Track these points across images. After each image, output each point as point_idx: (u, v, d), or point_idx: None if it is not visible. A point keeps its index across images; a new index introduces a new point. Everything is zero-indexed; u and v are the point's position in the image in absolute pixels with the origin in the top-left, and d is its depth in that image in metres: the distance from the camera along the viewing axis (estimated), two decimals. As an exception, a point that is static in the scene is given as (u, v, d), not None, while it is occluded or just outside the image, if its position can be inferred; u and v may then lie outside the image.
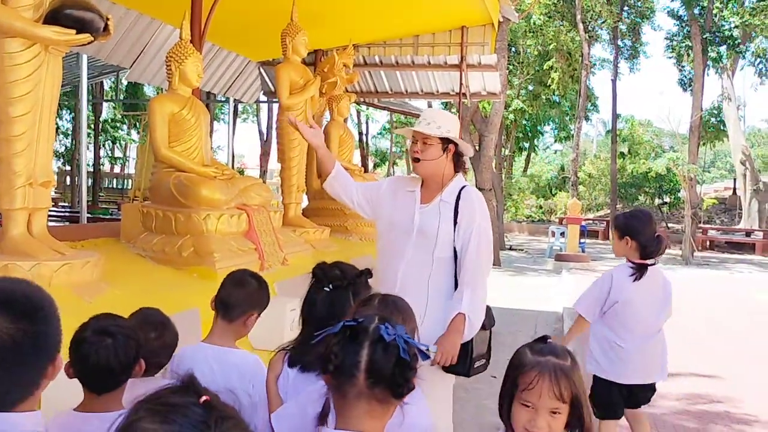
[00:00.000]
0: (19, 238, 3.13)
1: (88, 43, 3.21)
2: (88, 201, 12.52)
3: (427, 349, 1.37)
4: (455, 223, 2.91)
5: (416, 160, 2.95)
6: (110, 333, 1.72)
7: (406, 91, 10.01)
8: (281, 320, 4.07)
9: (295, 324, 4.25)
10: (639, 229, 3.45)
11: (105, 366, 1.68)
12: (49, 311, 1.21)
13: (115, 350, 1.69)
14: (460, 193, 2.93)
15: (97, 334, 1.72)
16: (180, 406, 0.89)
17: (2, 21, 2.98)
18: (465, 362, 2.90)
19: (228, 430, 0.90)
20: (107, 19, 3.21)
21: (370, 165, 30.74)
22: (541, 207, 30.68)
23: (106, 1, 6.27)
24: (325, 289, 2.02)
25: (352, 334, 1.29)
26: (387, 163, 33.63)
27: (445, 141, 2.93)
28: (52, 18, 3.09)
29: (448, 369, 2.90)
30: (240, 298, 2.26)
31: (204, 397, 0.91)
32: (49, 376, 1.22)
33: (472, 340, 2.91)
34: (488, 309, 3.03)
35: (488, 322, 3.00)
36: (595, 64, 27.89)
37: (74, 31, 3.08)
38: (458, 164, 3.03)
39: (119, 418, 0.92)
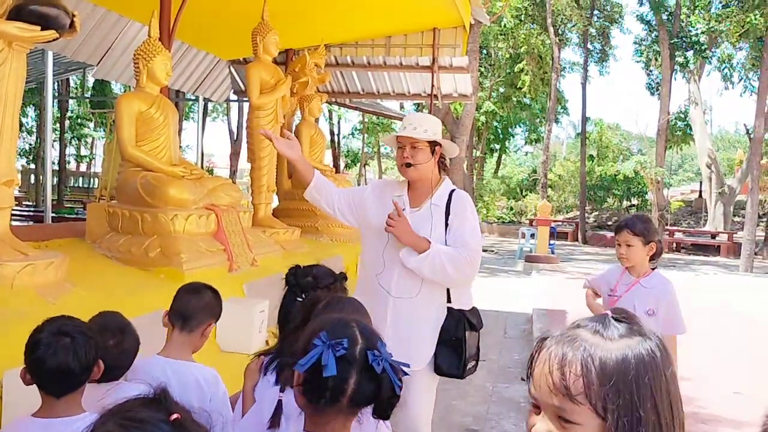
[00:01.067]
0: (-21, 238, 3.06)
1: (54, 40, 3.15)
2: (53, 200, 12.28)
3: (408, 367, 1.36)
4: (446, 225, 2.90)
5: (407, 165, 2.92)
6: (67, 333, 1.67)
7: (378, 92, 10.01)
8: (250, 322, 4.04)
9: (264, 326, 4.24)
10: (657, 232, 3.29)
11: (64, 367, 1.64)
12: None
13: (74, 350, 1.65)
14: (450, 196, 2.95)
15: (53, 335, 1.67)
16: (148, 422, 0.87)
17: (-37, 16, 2.92)
18: (458, 364, 2.89)
19: None
20: (73, 15, 3.15)
21: (342, 165, 30.68)
22: (511, 208, 30.97)
23: (73, -3, 6.16)
24: (298, 299, 1.98)
25: (339, 362, 1.25)
26: (359, 164, 33.59)
27: (433, 144, 2.94)
28: (16, 14, 3.02)
29: (441, 373, 2.92)
30: (197, 308, 2.22)
31: (174, 415, 0.89)
32: None
33: (464, 342, 2.87)
34: (476, 311, 3.04)
35: (477, 323, 3.00)
36: (565, 68, 28.25)
37: (39, 28, 3.01)
38: (442, 166, 3.05)
39: (83, 427, 0.90)
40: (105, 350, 1.80)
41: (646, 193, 25.29)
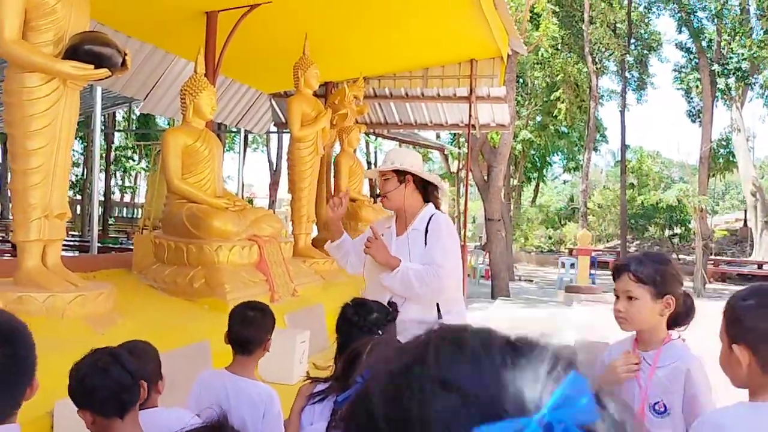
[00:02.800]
0: (33, 270, 3.16)
1: (106, 78, 3.27)
2: (98, 230, 12.58)
3: None
4: (426, 245, 2.99)
5: (381, 196, 3.10)
6: (106, 361, 1.73)
7: (416, 122, 10.09)
8: (291, 352, 4.05)
9: (305, 356, 4.25)
10: (678, 280, 2.12)
11: (107, 392, 1.69)
12: (27, 338, 1.28)
13: (115, 375, 1.70)
14: (429, 220, 3.03)
15: (94, 364, 1.74)
16: None
17: (23, 57, 3.05)
18: None
19: None
20: (125, 54, 3.27)
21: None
22: (550, 237, 30.58)
23: (122, 35, 6.39)
24: (363, 329, 2.05)
25: None
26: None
27: (401, 173, 3.02)
28: (72, 53, 3.15)
29: None
30: (252, 334, 2.36)
31: None
32: (27, 397, 1.29)
33: None
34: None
35: None
36: (603, 96, 28.03)
37: (93, 66, 3.13)
38: (426, 194, 3.11)
39: None
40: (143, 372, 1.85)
41: (689, 221, 24.72)
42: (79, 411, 1.74)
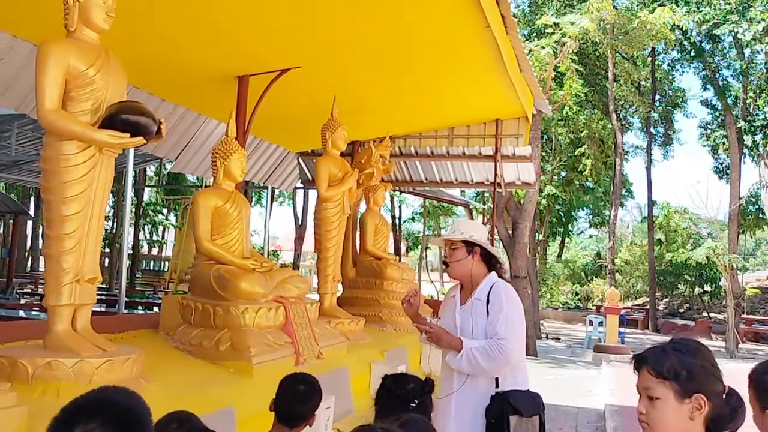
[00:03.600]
0: (63, 334, 3.17)
1: (141, 146, 3.35)
2: (126, 283, 12.70)
3: None
4: (488, 315, 3.10)
5: (446, 264, 3.30)
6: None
7: (441, 180, 10.15)
8: (317, 419, 3.98)
9: (329, 422, 4.18)
10: (716, 374, 1.70)
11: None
12: (148, 423, 1.30)
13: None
14: (491, 289, 3.15)
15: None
16: None
17: (62, 126, 3.14)
18: None
19: None
20: (160, 122, 3.36)
21: (403, 249, 30.78)
22: (576, 293, 30.14)
23: (157, 98, 6.58)
24: (411, 405, 2.20)
25: None
26: (420, 247, 33.62)
27: (470, 244, 3.22)
28: (109, 122, 3.23)
29: None
30: (302, 409, 2.40)
31: None
32: None
33: (507, 426, 2.95)
34: (529, 394, 3.13)
35: (524, 408, 3.02)
36: (628, 151, 28.01)
37: (129, 135, 3.21)
38: (490, 265, 3.27)
39: None
40: None
41: (719, 278, 24.21)
42: None
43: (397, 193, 24.20)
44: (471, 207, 19.52)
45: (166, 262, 22.23)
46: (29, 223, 24.07)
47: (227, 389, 3.73)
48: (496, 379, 3.08)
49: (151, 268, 23.48)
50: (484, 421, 3.02)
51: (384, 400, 2.25)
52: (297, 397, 2.36)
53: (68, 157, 3.15)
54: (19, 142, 12.43)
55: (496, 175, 8.82)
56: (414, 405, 2.21)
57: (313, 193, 24.97)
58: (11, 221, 18.57)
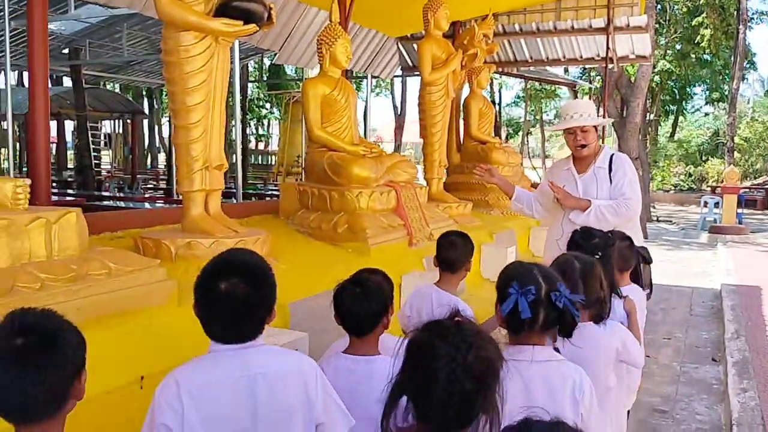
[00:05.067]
0: (198, 218, 3.42)
1: (254, 33, 3.40)
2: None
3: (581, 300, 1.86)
4: (610, 181, 3.66)
5: (582, 146, 3.71)
6: (362, 284, 2.01)
7: (547, 59, 9.68)
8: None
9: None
10: None
11: (358, 312, 1.98)
12: (271, 279, 1.65)
13: (366, 299, 1.98)
14: (611, 158, 3.72)
15: (352, 285, 2.03)
16: None
17: (177, 15, 3.23)
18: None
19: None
20: (270, 8, 3.38)
21: (503, 135, 30.13)
22: (690, 175, 28.68)
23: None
24: (595, 256, 2.45)
25: (533, 301, 1.70)
26: (521, 133, 32.76)
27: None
28: (221, 10, 3.30)
29: None
30: (457, 255, 2.81)
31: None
32: (267, 322, 1.65)
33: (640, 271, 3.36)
34: (645, 248, 3.57)
35: (648, 257, 3.52)
36: (752, 18, 25.39)
37: (242, 23, 3.27)
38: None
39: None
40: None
41: None
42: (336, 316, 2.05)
43: (497, 75, 23.42)
44: (577, 87, 18.63)
45: (272, 157, 22.99)
46: (145, 122, 25.36)
47: (347, 267, 3.87)
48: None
49: (259, 162, 24.35)
50: None
51: (573, 250, 2.54)
52: (452, 246, 2.79)
53: (187, 48, 3.26)
54: (129, 43, 12.90)
55: (608, 49, 8.29)
56: (598, 256, 2.46)
57: (411, 82, 24.62)
58: (129, 121, 19.61)
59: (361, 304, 1.99)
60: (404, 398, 1.27)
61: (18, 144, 16.29)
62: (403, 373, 1.28)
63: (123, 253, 2.70)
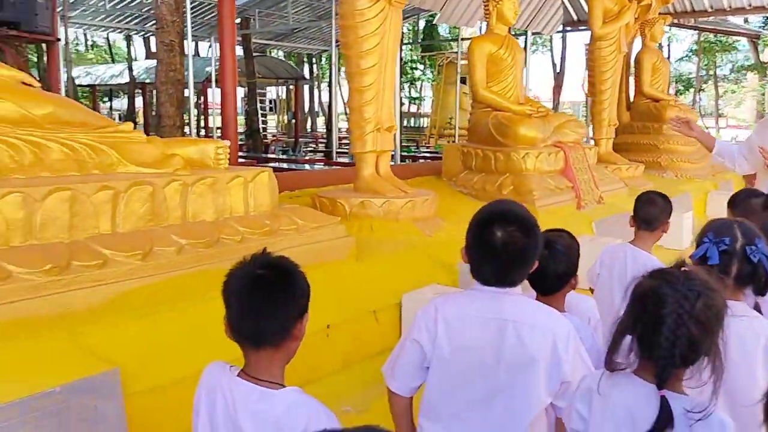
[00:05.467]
0: (369, 178, 3.54)
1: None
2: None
3: None
4: None
5: None
6: (549, 245, 1.96)
7: (730, 7, 8.81)
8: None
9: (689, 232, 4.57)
10: None
11: (546, 271, 1.93)
12: (540, 231, 1.62)
13: (554, 260, 1.95)
14: None
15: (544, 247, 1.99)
16: None
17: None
18: None
19: None
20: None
21: (672, 92, 27.96)
22: None
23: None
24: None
25: (725, 252, 1.72)
26: (692, 90, 30.22)
27: None
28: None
29: None
30: (656, 213, 2.77)
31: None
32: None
33: None
34: None
35: None
36: None
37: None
38: None
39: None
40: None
41: None
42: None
43: (667, 28, 21.72)
44: (759, 39, 16.80)
45: (424, 119, 23.09)
46: (306, 88, 26.44)
47: (515, 229, 3.88)
48: None
49: (412, 124, 24.57)
50: None
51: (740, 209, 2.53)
52: (652, 203, 2.76)
53: (362, 12, 3.34)
54: (294, 11, 13.45)
55: (805, -8, 7.39)
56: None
57: (572, 38, 23.46)
58: (292, 87, 20.55)
59: (548, 264, 1.96)
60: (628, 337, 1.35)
61: (196, 110, 17.68)
62: (630, 316, 1.35)
63: (307, 211, 2.87)
